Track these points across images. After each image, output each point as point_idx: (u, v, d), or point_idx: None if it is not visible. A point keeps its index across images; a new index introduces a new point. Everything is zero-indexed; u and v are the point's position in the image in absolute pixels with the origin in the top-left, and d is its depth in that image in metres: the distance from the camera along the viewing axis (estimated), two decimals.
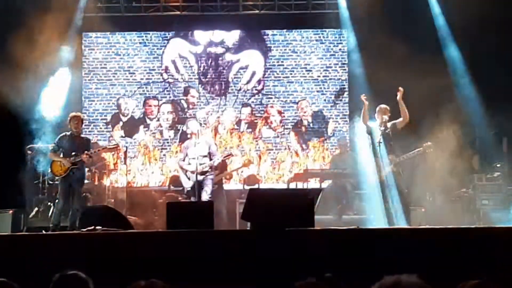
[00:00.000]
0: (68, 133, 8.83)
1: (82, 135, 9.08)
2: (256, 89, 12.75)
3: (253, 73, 12.79)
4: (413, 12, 11.37)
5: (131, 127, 12.67)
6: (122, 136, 12.59)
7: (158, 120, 12.70)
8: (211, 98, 12.75)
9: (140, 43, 12.82)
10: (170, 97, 12.76)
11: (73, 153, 8.60)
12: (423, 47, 10.93)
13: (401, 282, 2.33)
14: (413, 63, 10.30)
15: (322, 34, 12.82)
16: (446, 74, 11.23)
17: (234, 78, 12.79)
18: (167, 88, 12.76)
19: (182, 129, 12.51)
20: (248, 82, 12.78)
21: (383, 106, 8.92)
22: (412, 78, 10.21)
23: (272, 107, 12.69)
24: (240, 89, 12.76)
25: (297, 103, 12.68)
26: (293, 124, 12.66)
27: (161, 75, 12.77)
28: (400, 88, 8.76)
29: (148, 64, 12.79)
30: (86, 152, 8.64)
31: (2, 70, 10.40)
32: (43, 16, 10.57)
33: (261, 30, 12.88)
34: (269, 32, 12.87)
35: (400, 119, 8.76)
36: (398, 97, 8.72)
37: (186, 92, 12.79)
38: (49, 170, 9.13)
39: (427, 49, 11.08)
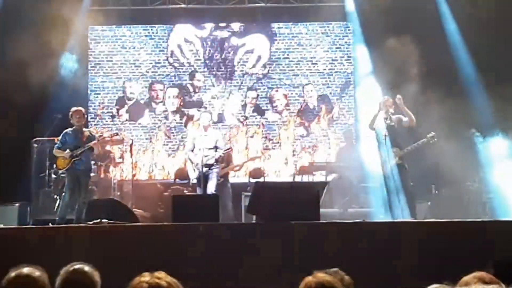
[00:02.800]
0: (71, 129, 8.80)
1: (85, 129, 9.05)
2: (262, 73, 12.73)
3: (259, 57, 12.76)
4: (419, 3, 11.31)
5: (136, 111, 12.65)
6: (126, 120, 12.59)
7: (164, 104, 12.70)
8: (217, 82, 12.74)
9: (146, 36, 12.80)
10: (175, 81, 12.73)
11: (78, 148, 8.61)
12: (429, 38, 10.87)
13: None
14: (419, 55, 10.28)
15: (327, 27, 12.76)
16: (452, 66, 11.19)
17: (240, 62, 12.76)
18: (172, 72, 12.74)
19: (189, 114, 12.51)
20: (253, 66, 12.74)
21: (388, 98, 8.90)
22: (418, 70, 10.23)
23: (277, 90, 12.66)
24: (246, 73, 12.74)
25: (302, 87, 12.63)
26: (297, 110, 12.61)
27: (167, 59, 12.75)
28: (398, 96, 8.75)
29: (154, 57, 12.76)
30: (94, 142, 8.67)
31: (8, 62, 10.44)
32: (49, 9, 10.58)
33: (267, 23, 12.83)
34: (275, 25, 12.82)
35: (407, 119, 8.74)
36: (399, 105, 8.71)
37: (191, 76, 12.76)
38: (54, 166, 9.18)
39: (433, 40, 11.03)
